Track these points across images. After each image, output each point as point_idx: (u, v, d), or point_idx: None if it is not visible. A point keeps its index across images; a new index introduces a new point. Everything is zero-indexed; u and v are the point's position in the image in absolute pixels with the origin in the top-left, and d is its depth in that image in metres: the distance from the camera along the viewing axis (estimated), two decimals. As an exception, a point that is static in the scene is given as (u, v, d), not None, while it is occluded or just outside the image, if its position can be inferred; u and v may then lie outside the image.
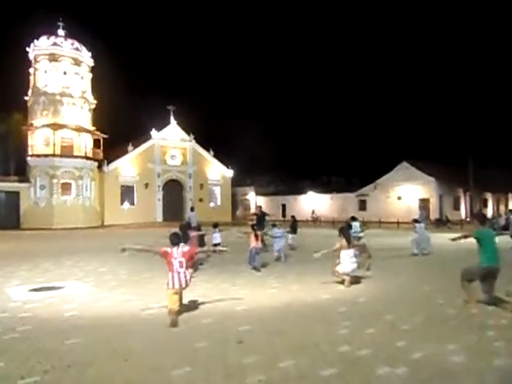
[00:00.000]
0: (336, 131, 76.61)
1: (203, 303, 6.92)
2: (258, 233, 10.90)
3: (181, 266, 6.15)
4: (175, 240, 6.33)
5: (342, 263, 8.30)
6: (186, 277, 6.16)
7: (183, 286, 6.13)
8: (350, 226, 13.01)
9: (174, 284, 6.08)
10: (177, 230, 7.60)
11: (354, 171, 51.91)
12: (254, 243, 10.53)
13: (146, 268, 10.93)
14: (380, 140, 68.63)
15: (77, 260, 12.66)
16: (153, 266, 11.09)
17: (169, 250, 6.20)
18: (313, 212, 41.32)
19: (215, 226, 14.62)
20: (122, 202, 37.97)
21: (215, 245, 14.37)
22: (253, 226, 11.36)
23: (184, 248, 6.33)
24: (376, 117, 77.87)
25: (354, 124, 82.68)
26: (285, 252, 12.74)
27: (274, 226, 12.93)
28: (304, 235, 19.83)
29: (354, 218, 13.39)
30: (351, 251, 8.36)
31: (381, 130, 72.12)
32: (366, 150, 70.14)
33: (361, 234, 12.70)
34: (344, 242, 8.37)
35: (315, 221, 38.55)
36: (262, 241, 11.88)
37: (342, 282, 8.21)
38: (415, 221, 13.86)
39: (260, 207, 15.78)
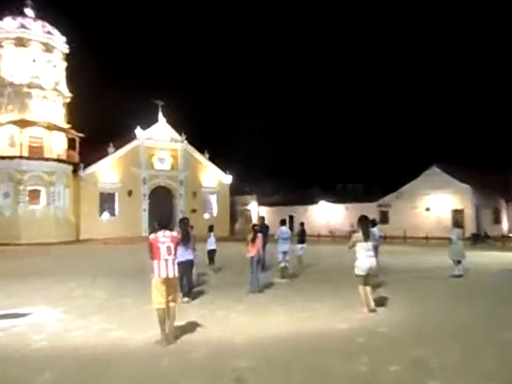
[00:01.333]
0: (352, 130, 76.83)
1: (196, 333, 6.89)
2: (259, 235, 10.85)
3: (169, 253, 6.33)
4: (163, 223, 6.58)
5: (358, 258, 8.33)
6: (174, 267, 6.34)
7: (171, 276, 6.28)
8: (373, 222, 12.88)
9: (160, 273, 6.24)
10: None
11: (373, 177, 51.85)
12: (255, 251, 10.49)
13: (128, 291, 10.89)
14: (405, 141, 68.62)
15: (47, 281, 12.66)
16: (136, 287, 11.06)
17: (152, 235, 6.44)
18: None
19: (210, 229, 14.64)
20: (100, 213, 38.07)
21: (210, 251, 14.41)
22: (254, 226, 11.30)
23: (173, 232, 6.57)
24: (400, 114, 78.05)
25: (373, 122, 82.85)
26: (294, 266, 12.76)
27: (282, 222, 12.86)
28: (316, 252, 19.77)
29: (373, 223, 12.88)
30: (369, 244, 8.39)
31: (406, 129, 72.20)
32: (387, 152, 70.19)
33: (376, 243, 12.55)
34: (360, 234, 8.37)
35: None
36: (264, 245, 11.89)
37: (372, 310, 8.15)
38: (456, 225, 13.75)
39: (263, 218, 15.80)
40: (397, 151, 64.55)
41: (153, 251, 6.33)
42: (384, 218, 39.09)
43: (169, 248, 6.35)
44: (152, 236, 6.45)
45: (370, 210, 40.39)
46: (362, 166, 57.89)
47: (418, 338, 6.58)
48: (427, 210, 37.78)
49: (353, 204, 42.79)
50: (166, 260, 6.30)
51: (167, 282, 6.29)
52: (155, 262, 6.30)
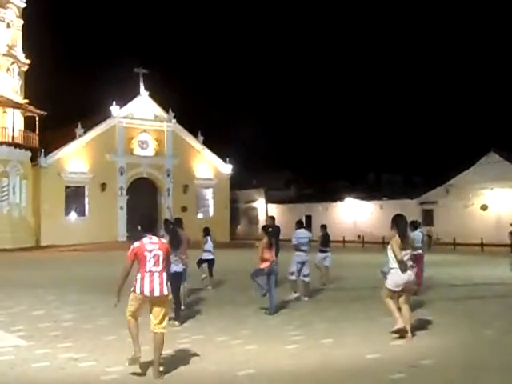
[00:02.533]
0: (388, 107, 76.46)
1: (187, 365, 6.91)
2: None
3: (156, 264, 6.33)
4: (148, 226, 6.65)
5: (391, 270, 8.30)
6: (162, 282, 6.35)
7: (156, 294, 6.28)
8: (414, 223, 12.89)
9: (143, 288, 6.27)
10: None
11: (415, 166, 51.73)
12: (269, 260, 10.51)
13: (102, 310, 10.94)
14: (454, 122, 68.26)
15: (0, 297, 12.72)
16: (112, 306, 11.09)
17: (136, 243, 6.46)
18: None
19: (206, 231, 14.60)
20: (66, 212, 38.22)
21: (206, 261, 14.40)
22: (267, 227, 11.31)
23: (162, 239, 6.66)
24: (448, 90, 77.59)
25: (415, 98, 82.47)
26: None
27: (299, 224, 12.80)
28: (342, 263, 19.73)
29: (414, 225, 12.93)
30: (407, 253, 8.33)
31: (455, 107, 71.86)
32: (432, 135, 69.79)
33: (420, 251, 12.52)
34: (396, 237, 8.29)
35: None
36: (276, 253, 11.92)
37: (401, 333, 8.15)
38: None
39: (272, 218, 15.77)
40: (444, 134, 64.18)
41: (138, 262, 6.35)
42: (428, 219, 38.94)
43: (157, 257, 6.37)
44: (137, 244, 6.45)
45: (411, 208, 40.35)
46: (401, 153, 57.67)
47: (473, 374, 6.55)
48: (483, 208, 37.57)
49: (389, 201, 42.60)
50: (152, 273, 6.30)
51: (151, 301, 6.33)
52: (138, 275, 6.35)
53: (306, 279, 12.53)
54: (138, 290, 6.29)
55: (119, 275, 6.46)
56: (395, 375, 6.42)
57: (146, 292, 6.25)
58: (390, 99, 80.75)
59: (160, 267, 6.37)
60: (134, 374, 6.35)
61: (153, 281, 6.28)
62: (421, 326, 8.88)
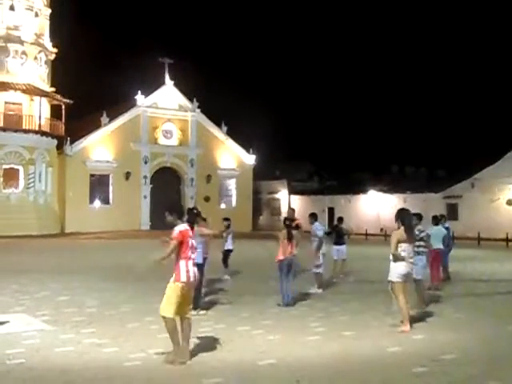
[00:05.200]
0: (414, 100, 75.50)
1: (209, 353, 6.95)
2: (295, 233, 10.93)
3: (192, 251, 6.58)
4: (181, 213, 6.76)
5: (393, 262, 8.29)
6: (195, 268, 6.57)
7: (192, 280, 6.46)
8: (440, 218, 12.98)
9: (188, 274, 6.35)
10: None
11: (439, 159, 51.13)
12: (285, 252, 10.53)
13: (126, 297, 11.06)
14: (480, 114, 67.12)
15: (25, 283, 12.92)
16: (136, 293, 11.22)
17: (181, 227, 6.49)
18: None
19: (227, 221, 14.66)
20: (91, 200, 38.58)
21: (226, 251, 14.51)
22: (288, 220, 11.31)
23: (202, 228, 6.96)
24: (474, 82, 76.35)
25: (441, 89, 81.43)
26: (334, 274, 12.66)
27: (314, 217, 12.80)
28: (364, 256, 19.65)
29: (435, 220, 12.96)
30: (411, 246, 8.42)
31: (481, 99, 70.67)
32: (457, 128, 68.83)
33: (440, 246, 12.48)
34: (401, 231, 8.32)
35: None
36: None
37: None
38: None
39: (293, 210, 15.73)
40: (469, 127, 63.22)
41: (181, 247, 6.41)
42: (452, 214, 38.47)
43: (192, 244, 6.57)
44: (182, 227, 6.47)
45: (435, 202, 39.98)
46: (425, 146, 57.05)
47: (497, 368, 6.49)
48: (509, 203, 37.08)
49: (412, 194, 42.22)
50: (191, 259, 6.49)
51: (190, 287, 6.49)
52: (180, 263, 6.39)
53: (320, 270, 12.61)
54: (184, 279, 6.33)
55: (166, 250, 6.44)
56: (417, 369, 6.38)
57: (192, 278, 6.42)
58: (415, 90, 79.69)
59: (194, 254, 6.62)
60: (167, 361, 6.39)
61: (192, 268, 6.48)
62: (443, 320, 8.82)
